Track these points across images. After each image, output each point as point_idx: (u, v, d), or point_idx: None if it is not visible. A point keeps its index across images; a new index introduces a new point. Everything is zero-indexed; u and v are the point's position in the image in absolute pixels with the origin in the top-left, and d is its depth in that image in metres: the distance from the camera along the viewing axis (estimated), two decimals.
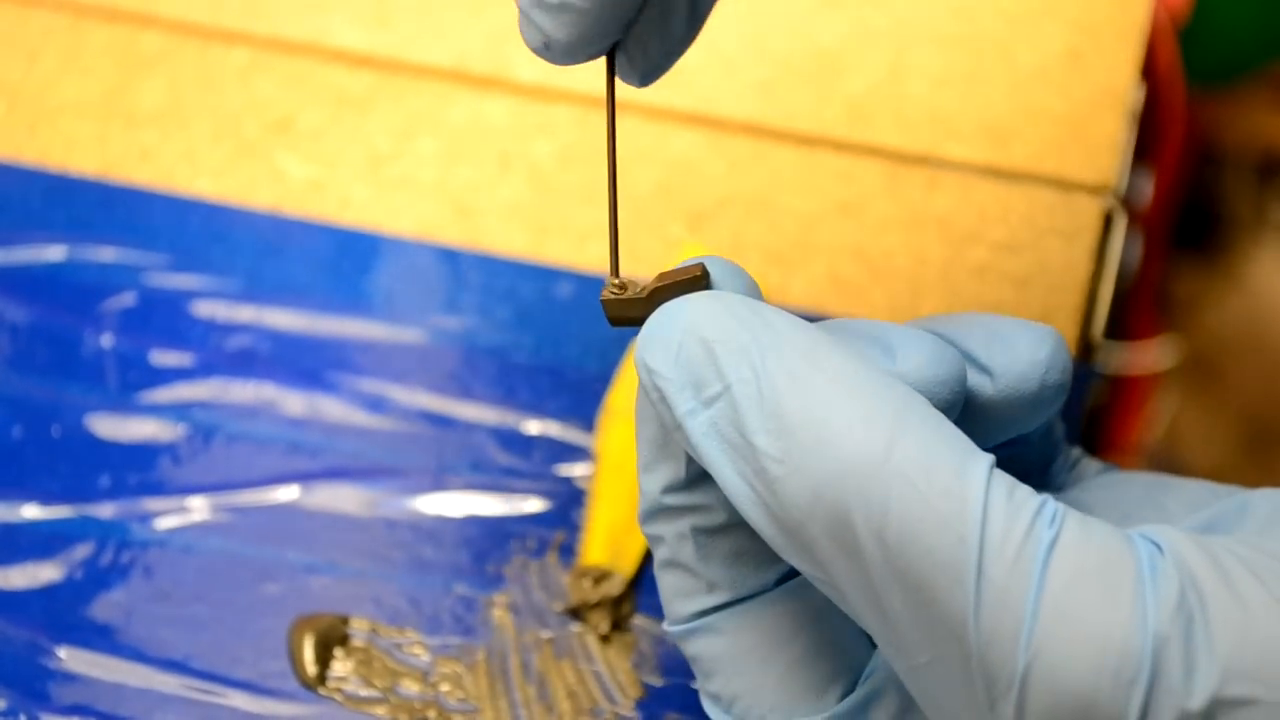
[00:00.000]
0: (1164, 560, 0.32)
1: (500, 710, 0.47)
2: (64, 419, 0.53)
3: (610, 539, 0.50)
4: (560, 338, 0.54)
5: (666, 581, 0.38)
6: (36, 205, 0.57)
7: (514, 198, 0.57)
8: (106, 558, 0.50)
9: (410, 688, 0.48)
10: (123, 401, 0.53)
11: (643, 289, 0.37)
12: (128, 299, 0.55)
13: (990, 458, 0.33)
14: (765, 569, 0.37)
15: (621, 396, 0.52)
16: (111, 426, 0.52)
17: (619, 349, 0.53)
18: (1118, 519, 0.38)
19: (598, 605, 0.49)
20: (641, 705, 0.48)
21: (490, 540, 0.50)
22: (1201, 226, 1.35)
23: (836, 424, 0.33)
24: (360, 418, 0.52)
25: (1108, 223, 0.56)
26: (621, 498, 0.50)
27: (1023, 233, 0.56)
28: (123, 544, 0.50)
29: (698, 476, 0.37)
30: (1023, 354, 0.37)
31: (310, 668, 0.48)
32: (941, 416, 0.34)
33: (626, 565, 0.49)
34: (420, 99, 0.60)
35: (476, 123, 0.59)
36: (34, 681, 0.48)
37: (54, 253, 0.56)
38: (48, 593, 0.49)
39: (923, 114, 0.58)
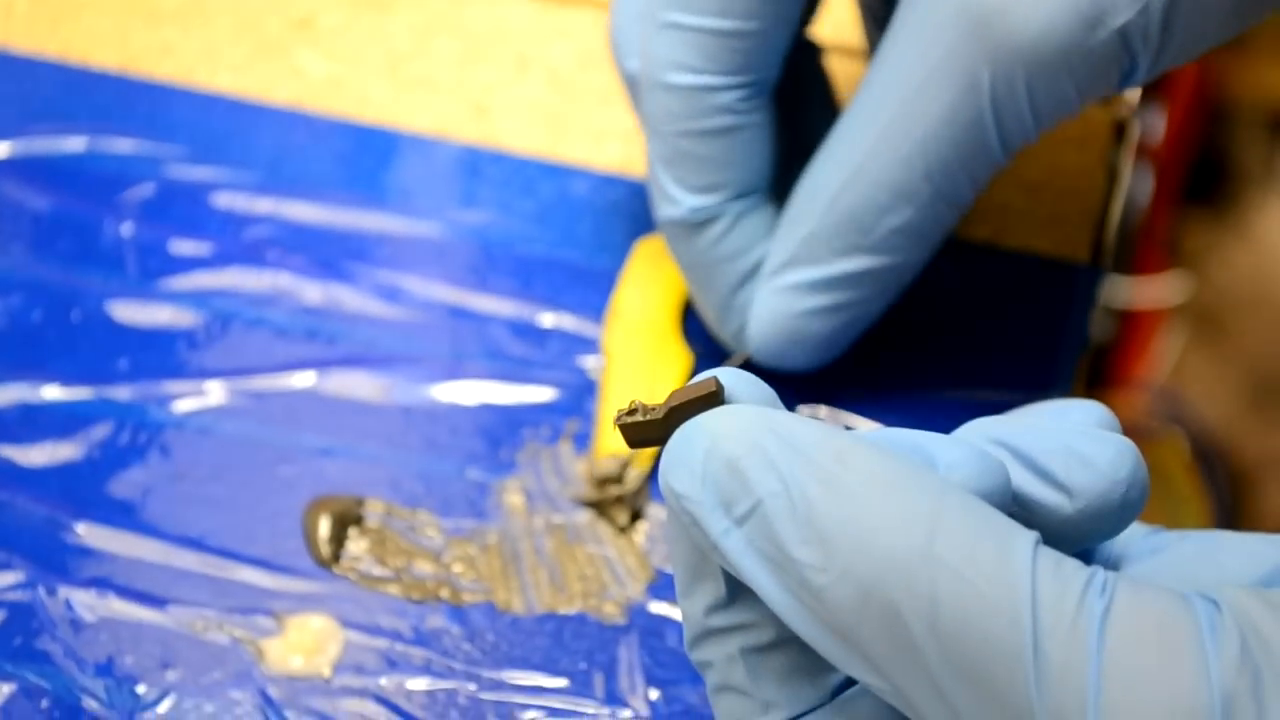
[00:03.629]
0: (1222, 616, 0.31)
1: (512, 591, 0.48)
2: (84, 304, 0.53)
3: None
4: (576, 234, 0.54)
5: (722, 707, 0.37)
6: (58, 98, 0.57)
7: (532, 98, 0.57)
8: (125, 438, 0.51)
9: (423, 568, 0.48)
10: (142, 288, 0.53)
11: (658, 409, 0.36)
12: (147, 189, 0.55)
13: (1034, 534, 0.33)
14: (820, 682, 0.36)
15: (625, 297, 0.53)
16: (131, 312, 0.53)
17: (630, 246, 0.54)
18: (1178, 586, 0.37)
19: (617, 500, 0.49)
20: (652, 588, 0.48)
21: (504, 427, 0.51)
22: (1211, 180, 1.35)
23: (873, 523, 0.33)
24: (376, 307, 0.53)
25: (1120, 132, 0.56)
26: (630, 392, 0.51)
27: None
28: (140, 425, 0.51)
29: (739, 593, 0.36)
30: (1104, 472, 0.36)
31: (325, 547, 0.48)
32: (978, 500, 0.33)
33: (641, 457, 0.50)
34: (440, 0, 0.60)
35: (496, 24, 0.59)
36: (52, 555, 0.48)
37: (74, 143, 0.56)
38: (67, 470, 0.50)
39: None
